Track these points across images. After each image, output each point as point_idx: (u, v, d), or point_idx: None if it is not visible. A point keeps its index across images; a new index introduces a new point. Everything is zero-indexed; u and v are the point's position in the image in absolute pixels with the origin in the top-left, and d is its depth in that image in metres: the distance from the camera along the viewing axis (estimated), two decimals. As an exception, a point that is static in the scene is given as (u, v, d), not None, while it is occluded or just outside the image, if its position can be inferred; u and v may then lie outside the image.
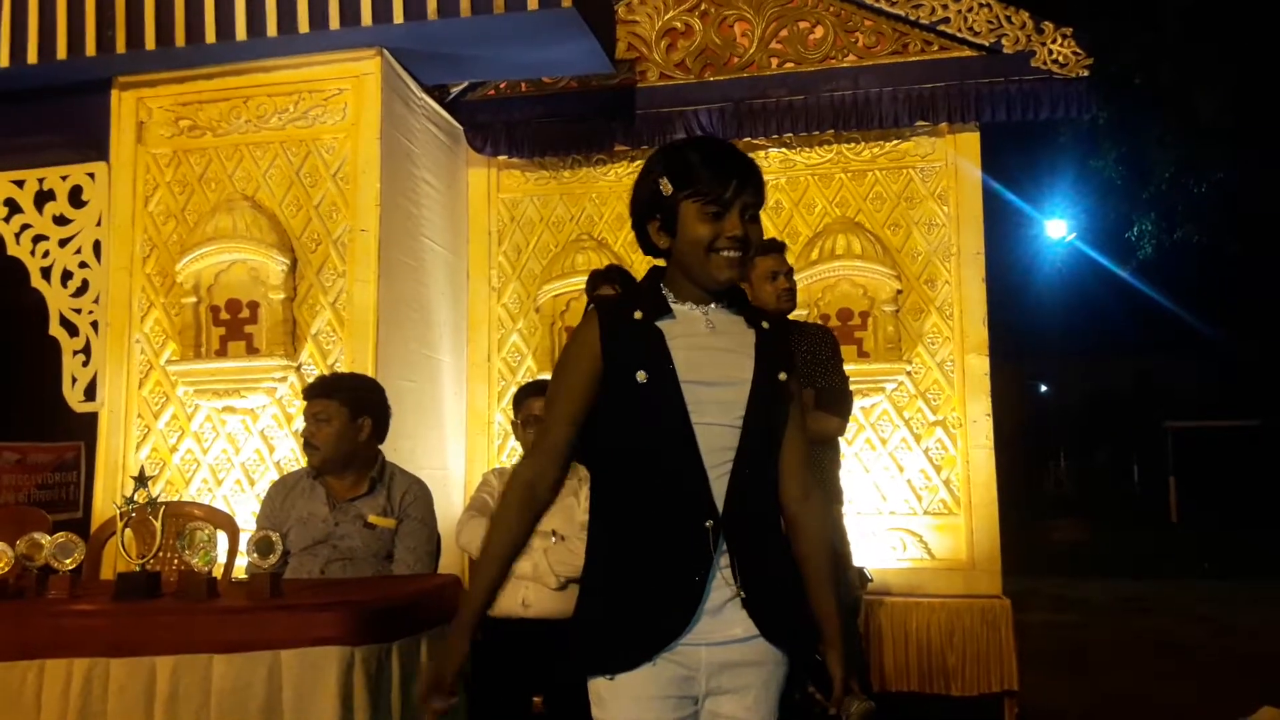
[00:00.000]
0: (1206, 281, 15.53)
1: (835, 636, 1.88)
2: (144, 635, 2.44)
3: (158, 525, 2.84)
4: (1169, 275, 15.02)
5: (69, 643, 2.44)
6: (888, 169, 5.01)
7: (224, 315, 4.54)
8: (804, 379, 3.17)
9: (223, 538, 3.43)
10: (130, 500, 2.85)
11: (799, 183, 5.08)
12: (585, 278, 4.95)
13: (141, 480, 2.88)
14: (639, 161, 4.82)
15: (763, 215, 1.88)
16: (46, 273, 4.72)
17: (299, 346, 4.45)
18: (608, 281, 3.69)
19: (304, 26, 4.26)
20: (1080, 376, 24.99)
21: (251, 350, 4.48)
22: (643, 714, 1.75)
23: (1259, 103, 10.28)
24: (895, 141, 5.00)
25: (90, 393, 4.64)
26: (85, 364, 4.66)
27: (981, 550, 4.69)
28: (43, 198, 4.76)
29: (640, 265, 2.09)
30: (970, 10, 4.74)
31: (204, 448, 4.53)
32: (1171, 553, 13.64)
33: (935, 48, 4.85)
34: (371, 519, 3.30)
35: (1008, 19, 4.72)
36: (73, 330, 4.68)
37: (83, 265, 4.71)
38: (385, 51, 4.45)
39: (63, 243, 4.73)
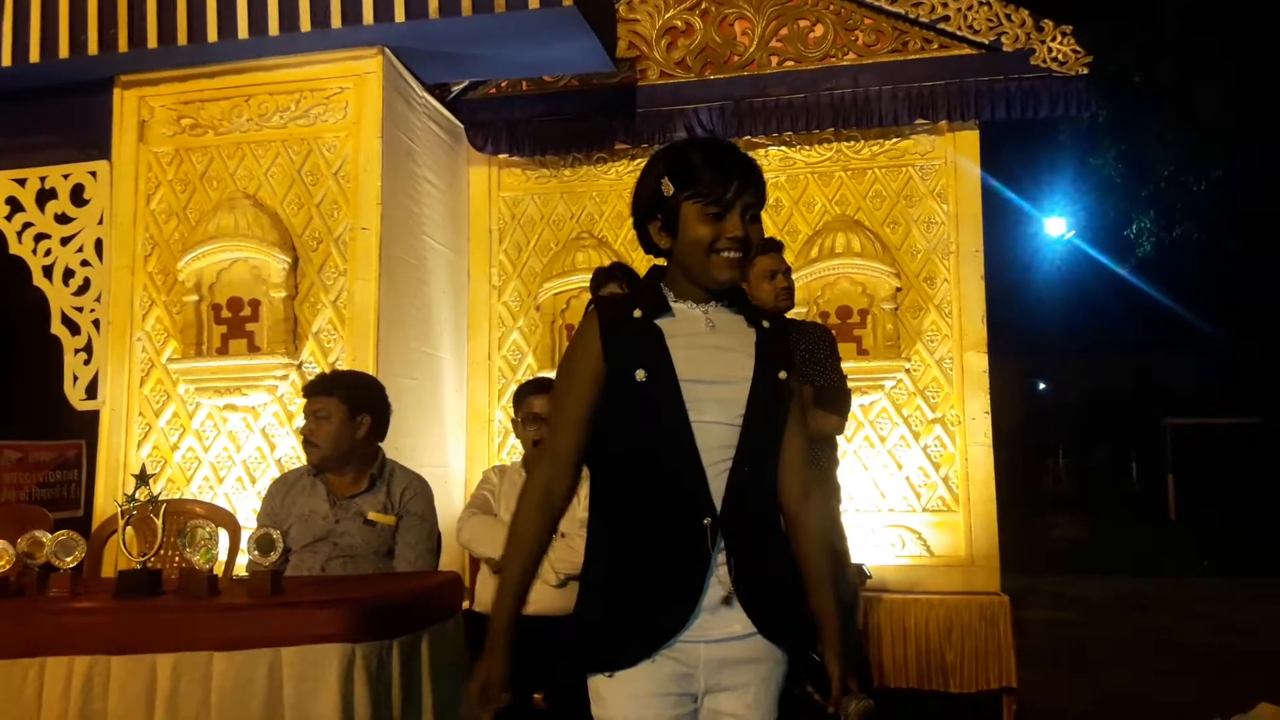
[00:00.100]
0: (1206, 279, 15.54)
1: (834, 635, 1.88)
2: (145, 633, 2.44)
3: (159, 523, 2.84)
4: (1168, 273, 15.03)
5: (70, 641, 2.44)
6: (887, 167, 5.02)
7: (225, 313, 4.55)
8: (802, 377, 3.18)
9: (224, 535, 3.44)
10: (131, 498, 2.86)
11: (799, 181, 5.09)
12: (586, 276, 4.96)
13: (143, 478, 2.89)
14: (640, 160, 4.84)
15: (763, 214, 1.88)
16: (48, 271, 4.73)
17: (300, 344, 4.46)
18: (612, 279, 3.69)
19: (306, 25, 4.27)
20: (1079, 374, 24.98)
21: (253, 348, 4.49)
22: (642, 711, 1.76)
23: (1259, 100, 10.28)
24: (895, 139, 5.01)
25: (92, 391, 4.65)
26: (87, 362, 4.67)
27: (980, 547, 4.70)
28: (45, 196, 4.77)
29: (641, 264, 2.10)
30: (970, 8, 4.75)
31: (205, 446, 4.54)
32: (1170, 550, 13.65)
33: (935, 46, 4.85)
34: (372, 516, 3.31)
35: (1007, 17, 4.72)
36: (74, 328, 4.69)
37: (84, 264, 4.72)
38: (387, 50, 4.46)
39: (64, 241, 4.74)
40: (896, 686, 4.54)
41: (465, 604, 3.42)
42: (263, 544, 2.73)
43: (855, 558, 3.98)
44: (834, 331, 4.48)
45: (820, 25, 4.98)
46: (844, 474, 4.12)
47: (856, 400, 4.68)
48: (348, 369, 4.13)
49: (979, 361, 4.81)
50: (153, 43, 4.39)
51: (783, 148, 5.09)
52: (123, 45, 4.41)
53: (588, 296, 4.80)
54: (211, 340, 4.54)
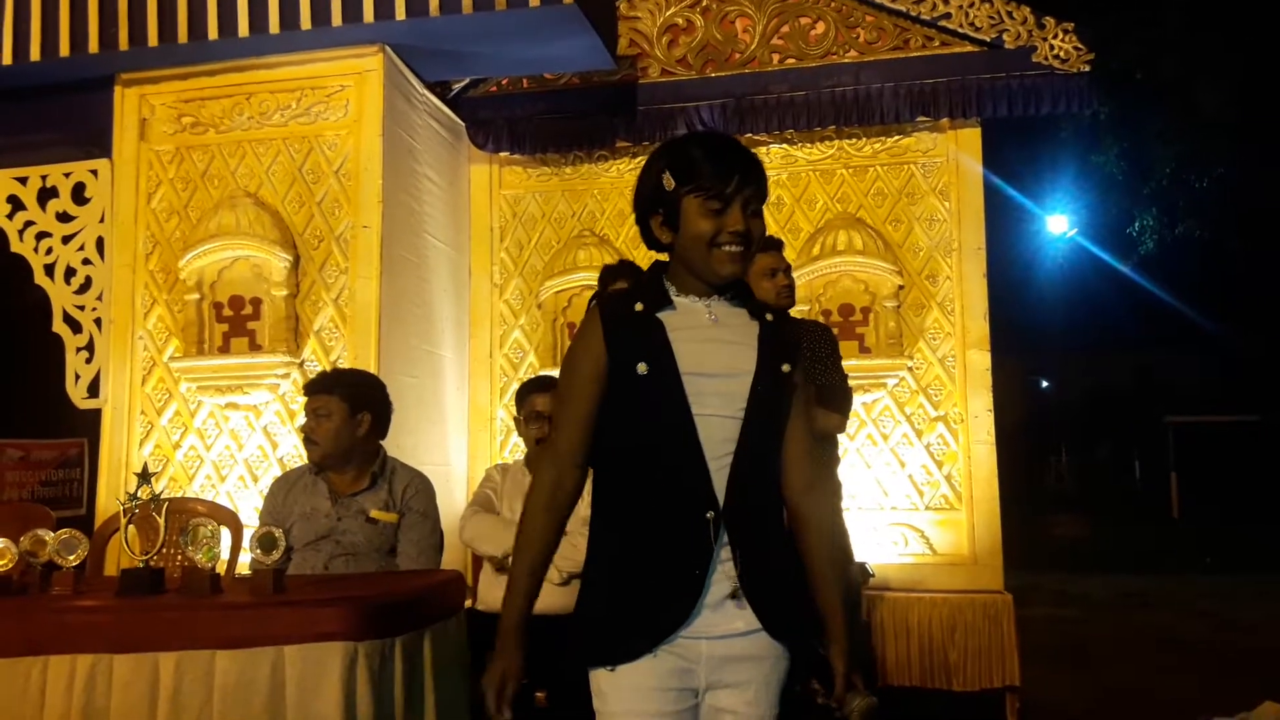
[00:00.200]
0: (1208, 277, 15.53)
1: (839, 631, 1.87)
2: (147, 631, 2.44)
3: (161, 521, 2.84)
4: (1170, 270, 15.01)
5: (73, 639, 2.44)
6: (889, 164, 5.02)
7: (227, 312, 4.55)
8: (804, 375, 3.18)
9: (226, 534, 3.44)
10: (134, 497, 2.86)
11: (800, 179, 5.08)
12: (587, 274, 4.99)
13: (145, 477, 2.89)
14: (641, 157, 4.83)
15: (765, 212, 1.88)
16: (50, 269, 4.73)
17: (302, 343, 4.46)
18: (620, 276, 3.69)
19: (306, 23, 4.26)
20: (1081, 372, 24.95)
21: (254, 347, 4.49)
22: (643, 705, 1.75)
23: (1261, 96, 10.27)
24: (897, 137, 5.00)
25: (93, 389, 4.65)
26: (88, 361, 4.67)
27: (983, 545, 4.70)
28: (46, 194, 4.77)
29: (643, 261, 2.09)
30: (971, 6, 4.74)
31: (207, 444, 4.54)
32: (1172, 548, 13.64)
33: (936, 43, 4.85)
34: (373, 514, 3.31)
35: (1009, 14, 4.72)
36: (76, 327, 4.69)
37: (86, 262, 4.72)
38: (387, 48, 4.45)
39: (66, 240, 4.74)
40: (899, 685, 4.53)
41: (468, 602, 3.42)
42: (265, 542, 2.72)
43: (858, 556, 3.98)
44: (836, 329, 4.49)
45: (821, 23, 4.98)
46: (846, 472, 4.12)
47: (859, 398, 4.67)
48: (349, 367, 4.13)
49: (981, 359, 4.81)
50: (153, 41, 4.38)
51: (784, 145, 5.09)
52: (123, 43, 4.41)
53: (589, 294, 4.79)
54: (213, 339, 4.54)
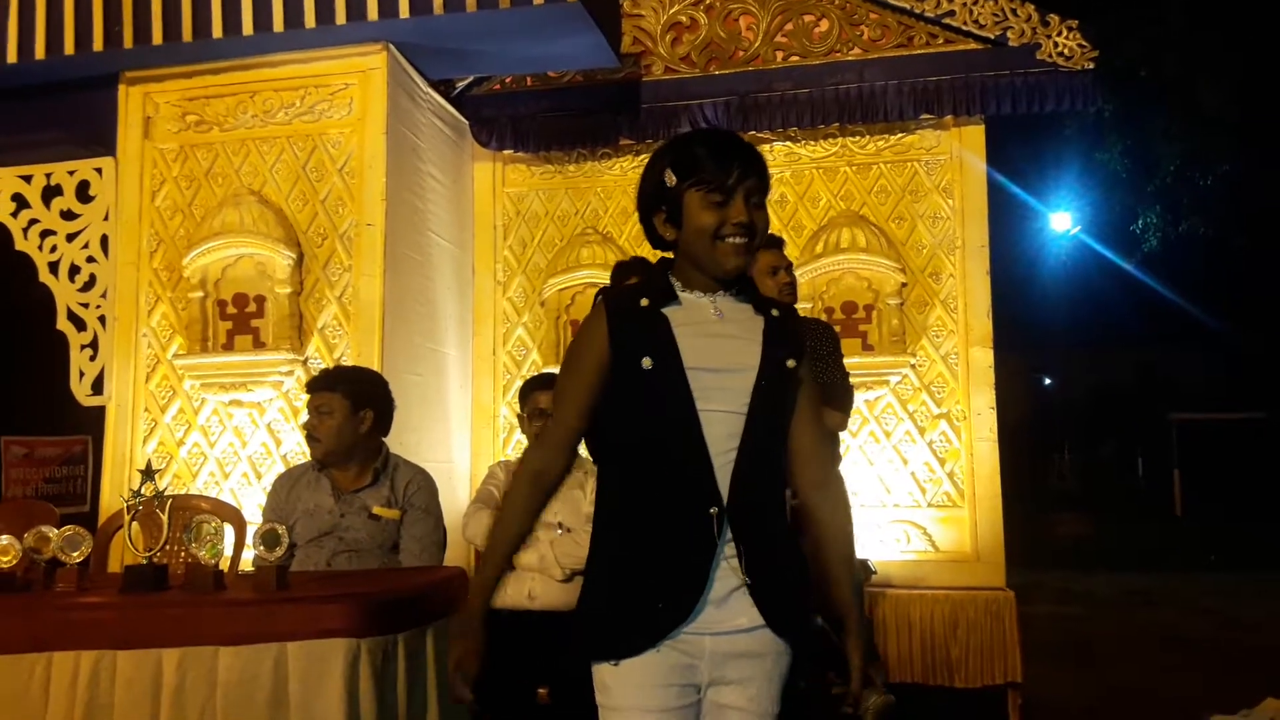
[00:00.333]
0: (1212, 274, 15.51)
1: (855, 627, 1.86)
2: (151, 627, 2.45)
3: (165, 518, 2.85)
4: (1174, 268, 14.98)
5: (76, 635, 2.45)
6: (892, 162, 5.01)
7: (231, 309, 4.56)
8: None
9: (229, 531, 3.45)
10: (137, 493, 2.87)
11: (804, 176, 5.08)
12: (591, 272, 5.00)
13: (148, 473, 2.90)
14: (644, 156, 4.83)
15: (768, 210, 1.88)
16: (54, 267, 4.74)
17: (305, 340, 4.46)
18: (632, 273, 3.69)
19: (310, 21, 4.26)
20: (1085, 369, 24.91)
21: (258, 344, 4.49)
22: (646, 700, 1.76)
23: (1265, 94, 10.25)
24: (900, 135, 5.00)
25: (98, 387, 4.66)
26: (93, 358, 4.68)
27: (985, 543, 4.70)
28: (50, 193, 4.78)
29: (653, 259, 2.09)
30: (975, 3, 4.73)
31: (211, 441, 4.55)
32: (1176, 546, 13.62)
33: (940, 41, 4.84)
34: (376, 510, 3.32)
35: (1013, 12, 4.71)
36: (80, 325, 4.70)
37: (90, 260, 4.73)
38: (391, 46, 4.46)
39: (70, 238, 4.75)
40: (901, 681, 4.53)
41: (470, 599, 3.42)
42: (268, 539, 2.73)
43: (860, 553, 3.98)
44: (839, 327, 4.50)
45: (825, 20, 4.97)
46: (849, 469, 4.12)
47: (862, 396, 4.68)
48: (351, 364, 4.14)
49: (984, 357, 4.80)
50: (158, 39, 4.39)
51: (788, 143, 5.09)
52: (128, 41, 4.41)
53: (592, 292, 4.81)
54: (217, 336, 4.55)
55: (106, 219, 4.72)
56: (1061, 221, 15.06)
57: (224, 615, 2.48)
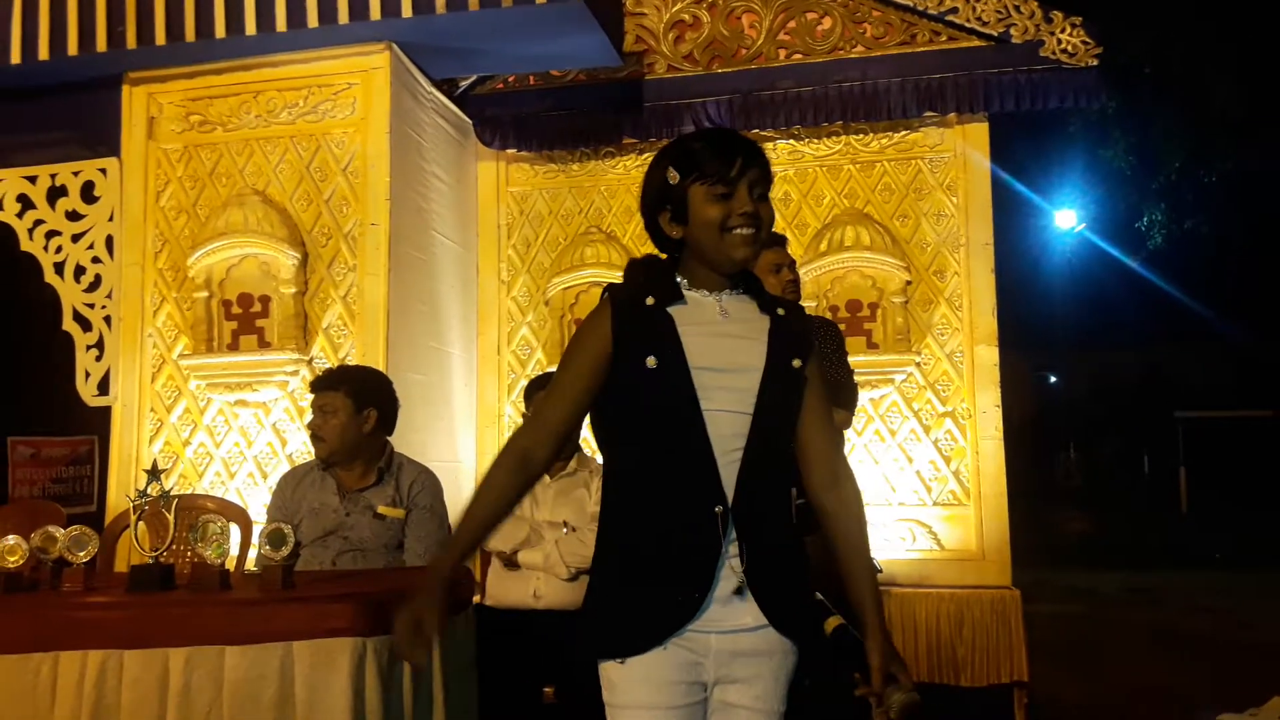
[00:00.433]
0: (1217, 272, 15.48)
1: (876, 624, 1.84)
2: (157, 627, 2.46)
3: (171, 518, 2.86)
4: (1179, 265, 14.97)
5: (83, 635, 2.46)
6: (896, 160, 5.01)
7: (236, 309, 4.56)
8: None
9: (235, 530, 3.45)
10: (143, 493, 2.88)
11: (807, 174, 5.08)
12: (595, 271, 5.00)
13: (154, 474, 2.91)
14: (647, 154, 4.84)
15: (772, 206, 1.88)
16: (59, 268, 4.75)
17: (310, 340, 4.47)
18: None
19: (313, 21, 4.27)
20: (1090, 367, 24.87)
21: (263, 344, 4.50)
22: (653, 697, 1.76)
23: (1267, 94, 10.23)
24: (904, 132, 4.99)
25: (103, 387, 4.67)
26: (98, 359, 4.69)
27: (991, 541, 4.69)
28: (55, 193, 4.78)
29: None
30: (979, 0, 4.73)
31: (216, 441, 4.56)
32: (1181, 543, 13.61)
33: (944, 38, 4.84)
34: (381, 509, 3.32)
35: (1016, 8, 4.71)
36: (86, 325, 4.71)
37: (95, 260, 4.73)
38: (394, 46, 4.46)
39: (75, 238, 4.75)
40: (907, 680, 4.53)
41: (476, 598, 3.43)
42: (274, 539, 2.74)
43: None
44: (844, 325, 4.50)
45: (828, 18, 4.97)
46: (853, 468, 4.10)
47: (866, 394, 4.68)
48: (355, 364, 4.14)
49: (989, 355, 4.80)
50: (161, 40, 4.39)
51: (791, 141, 5.09)
52: (131, 42, 4.41)
53: (597, 291, 4.81)
54: (222, 336, 4.56)
55: (111, 219, 4.73)
56: (1066, 219, 15.06)
57: (230, 615, 2.49)
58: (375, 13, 4.20)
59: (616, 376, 1.83)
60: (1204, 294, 17.42)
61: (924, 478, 4.80)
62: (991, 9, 4.72)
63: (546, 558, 3.52)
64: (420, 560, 3.30)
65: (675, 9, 5.09)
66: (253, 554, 3.66)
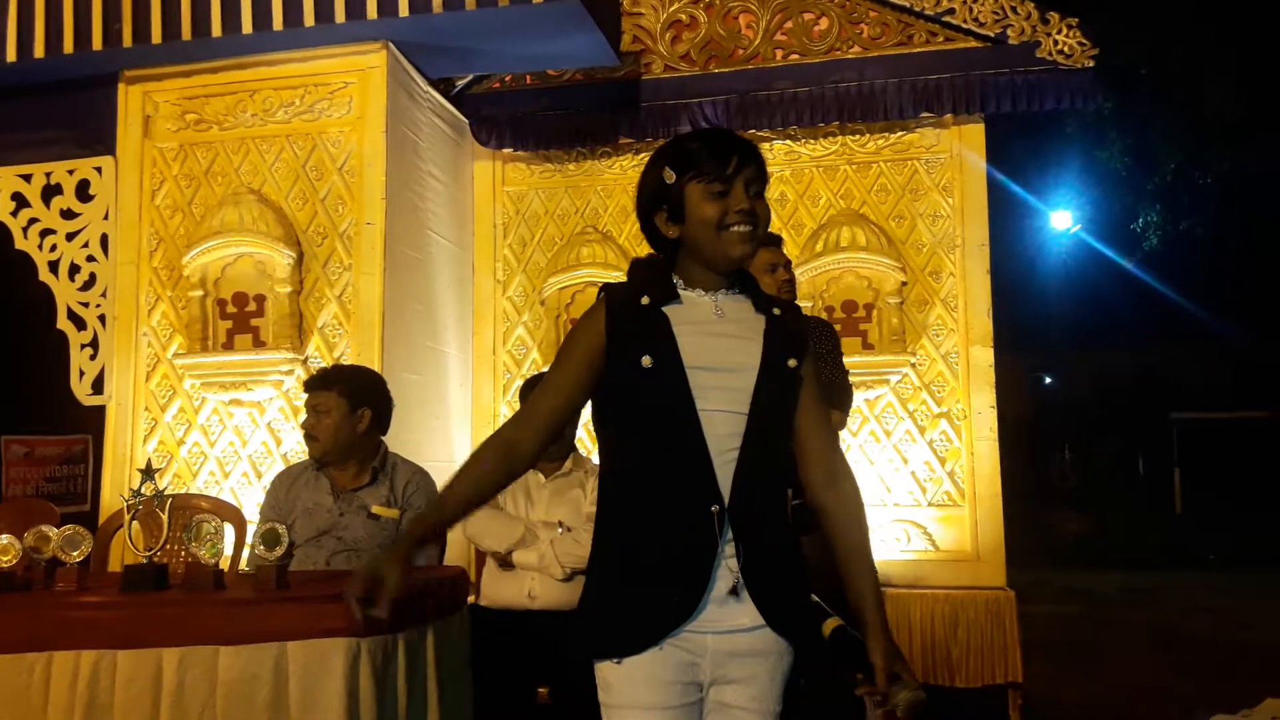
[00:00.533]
0: (1213, 273, 15.50)
1: (877, 624, 1.83)
2: (151, 627, 2.45)
3: (165, 517, 2.85)
4: (1175, 267, 14.98)
5: (77, 634, 2.45)
6: (892, 160, 5.01)
7: (231, 308, 4.56)
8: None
9: (229, 530, 3.45)
10: (137, 493, 2.87)
11: (803, 175, 5.08)
12: (591, 271, 5.01)
13: (149, 473, 2.90)
14: (644, 154, 4.82)
15: (768, 206, 1.88)
16: (54, 266, 4.74)
17: (305, 339, 4.46)
18: None
19: (309, 20, 4.26)
20: (1085, 368, 24.89)
21: (258, 343, 4.49)
22: (650, 698, 1.76)
23: (1263, 95, 10.25)
24: (900, 133, 5.00)
25: (98, 386, 4.66)
26: (93, 357, 4.68)
27: (986, 542, 4.70)
28: (50, 192, 4.77)
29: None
30: (975, 1, 4.73)
31: (211, 440, 4.55)
32: (1176, 544, 13.62)
33: (940, 39, 4.84)
34: (375, 509, 3.32)
35: (1013, 9, 4.71)
36: (80, 324, 4.70)
37: (90, 259, 4.72)
38: (390, 45, 4.45)
39: (70, 236, 4.75)
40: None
41: (471, 598, 3.43)
42: (268, 538, 2.73)
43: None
44: (839, 326, 4.50)
45: (825, 18, 4.97)
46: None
47: (862, 395, 4.68)
48: (349, 363, 4.13)
49: (984, 356, 4.80)
50: (157, 38, 4.38)
51: (787, 141, 5.09)
52: (127, 40, 4.41)
53: (593, 291, 4.81)
54: (217, 335, 4.55)
55: (106, 218, 4.72)
56: (1062, 220, 15.07)
57: (224, 615, 2.48)
58: (372, 12, 4.20)
59: (612, 376, 1.83)
60: (1200, 295, 17.45)
61: (919, 478, 4.80)
62: (988, 10, 4.72)
63: (541, 558, 3.52)
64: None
65: (672, 9, 5.09)
66: (247, 554, 3.65)
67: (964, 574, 4.68)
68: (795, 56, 4.97)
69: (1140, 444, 23.23)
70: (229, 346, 4.52)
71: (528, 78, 5.21)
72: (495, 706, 3.28)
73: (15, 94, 4.68)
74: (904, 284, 4.83)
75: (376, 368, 4.08)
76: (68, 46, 4.44)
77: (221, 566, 2.79)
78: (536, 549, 3.54)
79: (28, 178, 4.79)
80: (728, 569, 1.77)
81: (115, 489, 4.50)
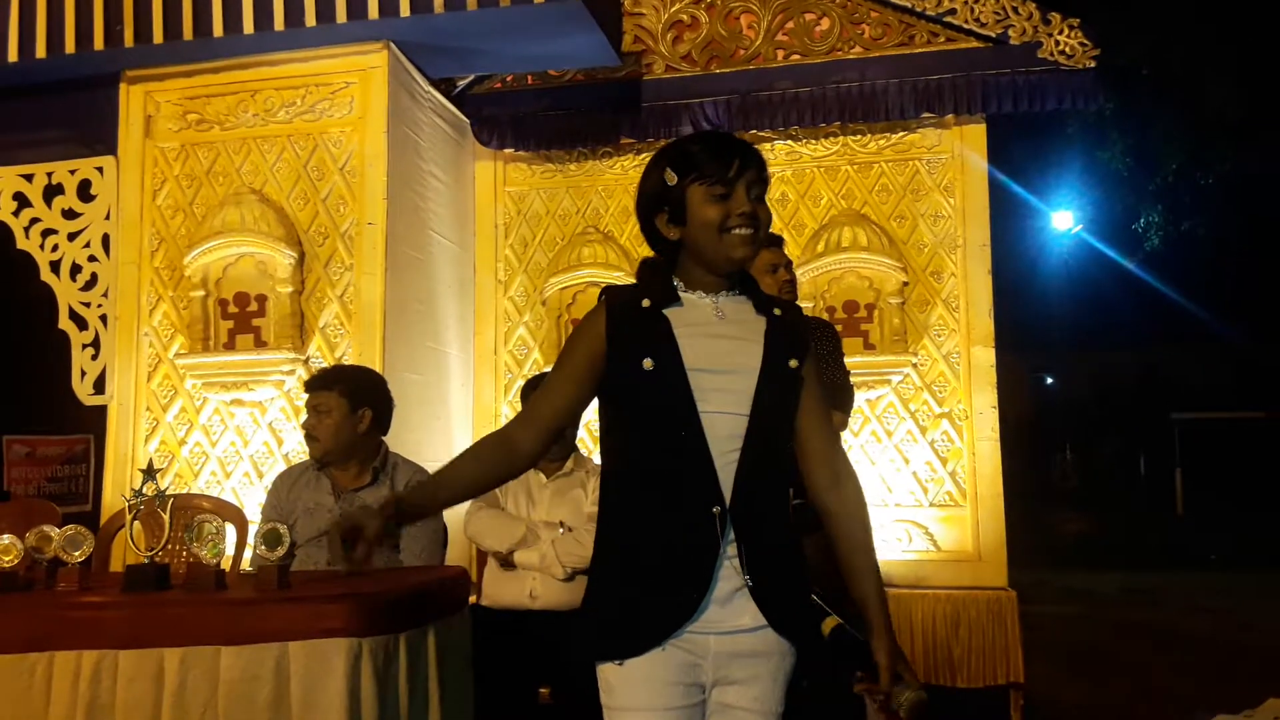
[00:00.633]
0: (1214, 274, 15.50)
1: (881, 624, 1.84)
2: (152, 627, 2.45)
3: (166, 517, 2.85)
4: (1176, 267, 14.98)
5: (78, 634, 2.44)
6: (894, 161, 5.01)
7: (232, 308, 4.56)
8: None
9: (231, 530, 3.45)
10: (139, 493, 2.87)
11: (805, 175, 5.08)
12: (592, 271, 5.01)
13: (150, 473, 2.90)
14: (645, 155, 4.83)
15: (769, 207, 1.88)
16: (56, 266, 4.74)
17: (307, 339, 4.46)
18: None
19: (311, 20, 4.26)
20: (1086, 368, 24.90)
21: (259, 343, 4.49)
22: (652, 700, 1.76)
23: (1264, 95, 10.24)
24: (901, 133, 5.00)
25: (99, 386, 4.66)
26: (94, 357, 4.68)
27: (987, 542, 4.70)
28: (51, 191, 4.77)
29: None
30: (977, 1, 4.73)
31: (212, 440, 4.55)
32: (1178, 545, 13.62)
33: (941, 39, 4.84)
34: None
35: (1014, 10, 4.71)
36: (82, 324, 4.70)
37: (91, 259, 4.73)
38: (392, 45, 4.45)
39: (71, 236, 4.75)
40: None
41: (472, 598, 3.43)
42: (269, 538, 2.73)
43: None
44: (840, 326, 4.50)
45: (826, 18, 4.97)
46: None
47: (863, 395, 4.68)
48: (350, 363, 4.13)
49: (986, 356, 4.80)
50: (159, 38, 4.39)
51: (789, 142, 5.09)
52: (129, 40, 4.41)
53: (594, 291, 4.82)
54: (218, 335, 4.55)
55: (108, 218, 4.72)
56: (1063, 220, 15.07)
57: (226, 615, 2.48)
58: (373, 12, 4.20)
59: (613, 378, 1.84)
60: (1201, 296, 17.44)
61: (920, 479, 4.80)
62: (990, 10, 4.72)
63: (543, 558, 3.52)
64: (416, 560, 3.30)
65: (674, 9, 5.09)
66: (248, 554, 3.65)
67: (965, 574, 4.68)
68: (796, 57, 4.97)
69: (1141, 444, 23.23)
70: (230, 346, 4.52)
71: (529, 78, 5.21)
72: (496, 706, 3.27)
73: (17, 94, 4.68)
74: (905, 284, 4.83)
75: (378, 368, 4.08)
76: (69, 46, 4.45)
77: (223, 566, 2.79)
78: (538, 549, 3.54)
79: (29, 178, 4.80)
80: (730, 569, 1.77)
81: (117, 489, 4.50)
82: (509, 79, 5.24)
